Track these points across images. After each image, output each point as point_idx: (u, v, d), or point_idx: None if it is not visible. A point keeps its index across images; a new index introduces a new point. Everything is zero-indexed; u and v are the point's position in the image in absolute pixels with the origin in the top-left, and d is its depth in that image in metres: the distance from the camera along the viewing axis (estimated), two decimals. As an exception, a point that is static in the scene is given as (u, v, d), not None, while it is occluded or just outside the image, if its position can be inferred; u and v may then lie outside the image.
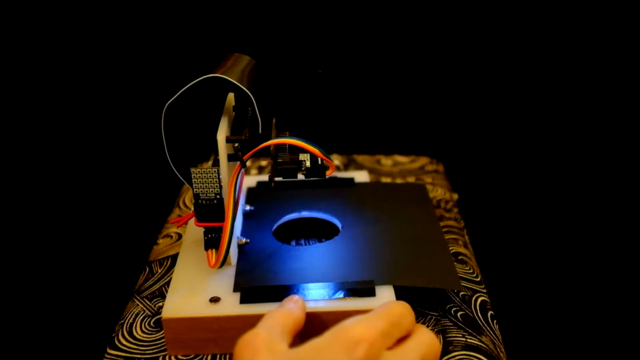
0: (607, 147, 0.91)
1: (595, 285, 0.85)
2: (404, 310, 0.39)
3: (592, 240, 0.89)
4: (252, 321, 0.46)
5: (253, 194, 0.64)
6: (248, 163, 0.72)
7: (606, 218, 0.90)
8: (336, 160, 0.77)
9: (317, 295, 0.48)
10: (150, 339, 0.50)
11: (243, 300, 0.47)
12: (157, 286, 0.56)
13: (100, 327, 0.62)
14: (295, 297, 0.45)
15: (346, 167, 0.76)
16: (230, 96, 0.55)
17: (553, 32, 0.87)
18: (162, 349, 0.48)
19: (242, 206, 0.59)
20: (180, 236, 0.62)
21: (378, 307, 0.39)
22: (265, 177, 0.68)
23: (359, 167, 0.76)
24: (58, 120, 0.91)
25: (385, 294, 0.48)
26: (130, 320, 0.52)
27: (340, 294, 0.48)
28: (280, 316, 0.41)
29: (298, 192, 0.64)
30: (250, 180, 0.67)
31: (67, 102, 0.91)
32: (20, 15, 0.85)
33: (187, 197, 0.70)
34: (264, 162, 0.77)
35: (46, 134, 0.91)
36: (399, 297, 0.48)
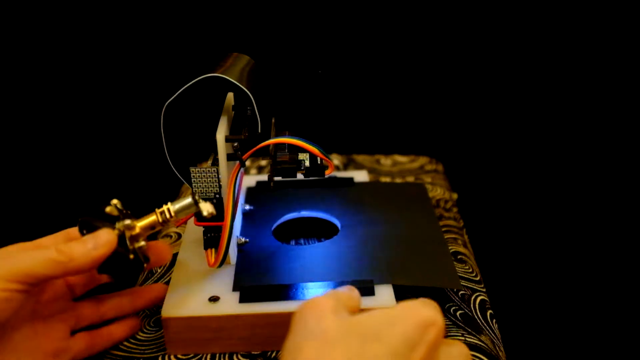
0: (606, 147, 0.92)
1: (594, 284, 0.85)
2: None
3: (591, 239, 0.89)
4: (252, 320, 0.46)
5: (252, 194, 0.64)
6: (247, 162, 0.72)
7: (605, 218, 0.90)
8: (335, 159, 0.77)
9: (316, 295, 0.48)
10: (150, 338, 0.50)
11: (242, 300, 0.47)
12: (156, 285, 0.56)
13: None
14: (352, 287, 0.42)
15: (345, 166, 0.76)
16: (230, 95, 0.55)
17: (553, 32, 0.88)
18: (161, 348, 0.48)
19: (242, 206, 0.60)
20: (179, 236, 0.62)
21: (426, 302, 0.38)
22: (264, 177, 0.68)
23: (359, 166, 0.76)
24: (58, 120, 0.91)
25: (384, 293, 0.48)
26: (130, 320, 0.52)
27: (340, 293, 0.47)
28: (345, 295, 0.40)
29: (297, 192, 0.64)
30: (250, 180, 0.67)
31: (67, 101, 0.91)
32: (21, 16, 0.85)
33: (187, 197, 0.70)
34: (263, 162, 0.77)
35: (46, 134, 0.91)
36: (398, 296, 0.48)
